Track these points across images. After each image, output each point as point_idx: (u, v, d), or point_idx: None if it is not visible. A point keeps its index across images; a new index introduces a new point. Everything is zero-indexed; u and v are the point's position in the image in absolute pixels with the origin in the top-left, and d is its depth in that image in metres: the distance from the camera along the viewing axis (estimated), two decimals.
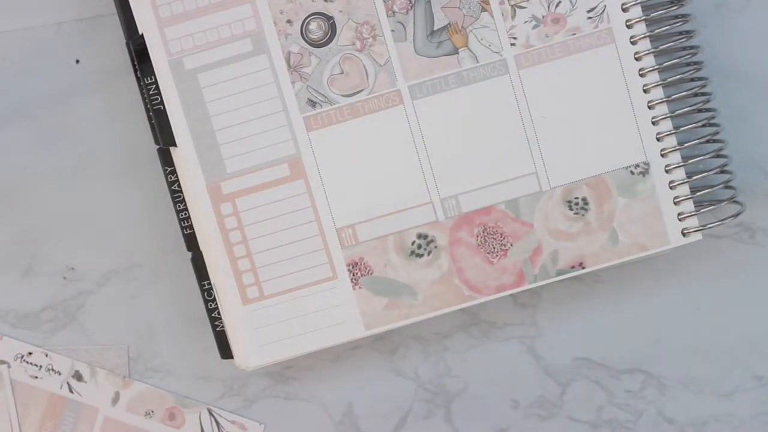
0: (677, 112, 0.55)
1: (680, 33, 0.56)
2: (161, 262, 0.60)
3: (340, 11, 0.55)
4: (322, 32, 0.55)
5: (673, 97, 0.55)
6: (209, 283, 0.56)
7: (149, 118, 0.56)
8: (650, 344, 0.59)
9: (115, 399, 0.60)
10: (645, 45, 0.55)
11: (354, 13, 0.55)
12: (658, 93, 0.55)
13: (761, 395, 0.59)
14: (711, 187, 0.56)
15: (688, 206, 0.56)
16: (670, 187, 0.55)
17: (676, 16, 0.56)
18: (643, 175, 0.55)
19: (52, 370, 0.59)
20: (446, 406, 0.59)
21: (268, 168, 0.56)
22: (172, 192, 0.57)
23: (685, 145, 0.56)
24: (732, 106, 0.58)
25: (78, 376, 0.60)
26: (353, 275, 0.56)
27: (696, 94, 0.56)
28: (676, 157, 0.56)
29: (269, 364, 0.57)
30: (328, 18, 0.55)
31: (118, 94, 0.59)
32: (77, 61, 0.60)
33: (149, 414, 0.60)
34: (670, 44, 0.55)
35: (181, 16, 0.55)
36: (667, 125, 0.56)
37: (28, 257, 0.60)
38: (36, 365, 0.59)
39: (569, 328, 0.60)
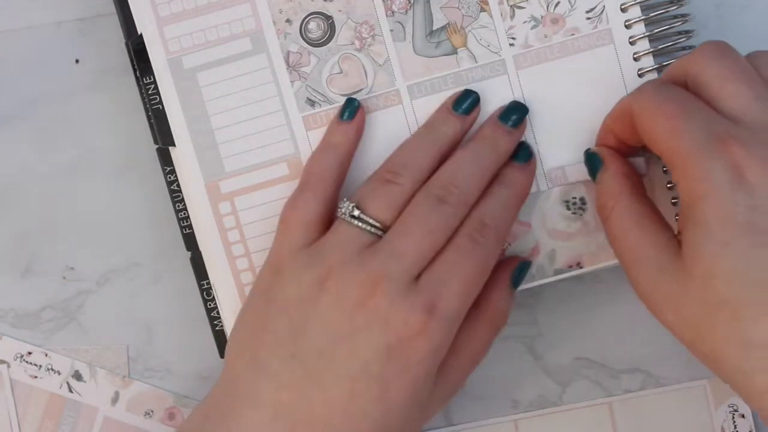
0: None
1: (679, 33, 0.56)
2: (161, 262, 0.60)
3: (339, 11, 0.55)
4: (321, 32, 0.56)
5: None
6: (208, 283, 0.56)
7: (148, 117, 0.56)
8: (650, 344, 0.59)
9: (115, 399, 0.60)
10: (644, 45, 0.55)
11: (353, 12, 0.55)
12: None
13: None
14: None
15: None
16: (668, 188, 0.55)
17: (676, 16, 0.56)
18: (641, 175, 0.55)
19: (52, 369, 0.59)
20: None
21: (266, 167, 0.56)
22: (172, 192, 0.57)
23: None
24: None
25: (77, 376, 0.60)
26: None
27: None
28: None
29: None
30: (327, 17, 0.55)
31: (117, 94, 0.59)
32: (77, 61, 0.60)
33: (149, 414, 0.60)
34: (669, 44, 0.55)
35: (180, 15, 0.55)
36: None
37: (27, 257, 0.60)
38: (36, 365, 0.59)
39: (569, 328, 0.60)
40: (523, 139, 0.55)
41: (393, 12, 0.55)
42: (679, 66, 0.50)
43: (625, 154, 0.53)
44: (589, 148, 0.54)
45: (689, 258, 0.47)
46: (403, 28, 0.55)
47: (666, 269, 0.48)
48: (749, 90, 0.47)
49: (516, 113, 0.54)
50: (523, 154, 0.55)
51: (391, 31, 0.55)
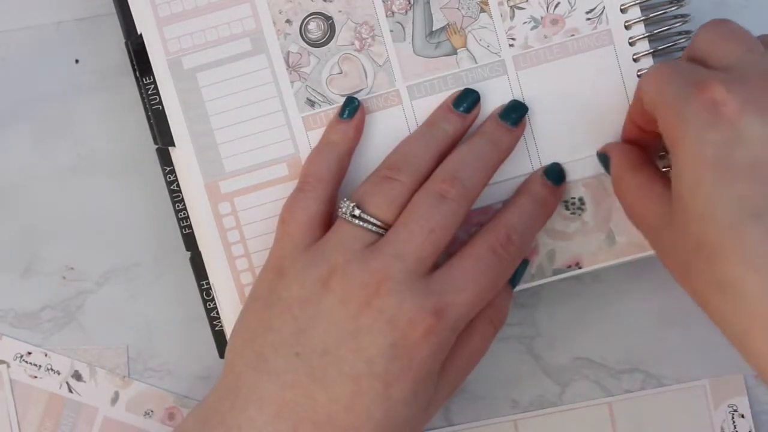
0: None
1: (679, 33, 0.56)
2: (161, 262, 0.60)
3: (339, 11, 0.55)
4: (321, 32, 0.56)
5: None
6: (208, 283, 0.56)
7: (148, 118, 0.56)
8: (650, 344, 0.59)
9: (115, 399, 0.60)
10: (643, 46, 0.55)
11: (353, 13, 0.55)
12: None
13: (761, 394, 0.59)
14: None
15: None
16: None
17: (675, 17, 0.56)
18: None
19: (52, 369, 0.60)
20: (446, 405, 0.59)
21: (266, 167, 0.56)
22: (171, 192, 0.57)
23: None
24: None
25: (77, 376, 0.60)
26: None
27: None
28: None
29: None
30: (327, 18, 0.55)
31: (117, 94, 0.59)
32: (77, 61, 0.60)
33: (149, 414, 0.60)
34: (668, 45, 0.55)
35: (180, 16, 0.55)
36: None
37: (27, 257, 0.60)
38: (35, 365, 0.60)
39: (569, 328, 0.60)
40: (524, 138, 0.55)
41: (393, 12, 0.55)
42: (687, 49, 0.50)
43: (647, 144, 0.54)
44: (597, 152, 0.55)
45: (674, 205, 0.47)
46: (403, 28, 0.55)
47: (661, 221, 0.49)
48: (741, 45, 0.48)
49: (516, 112, 0.54)
50: (558, 175, 0.55)
51: (391, 31, 0.55)
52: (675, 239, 0.47)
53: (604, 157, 0.54)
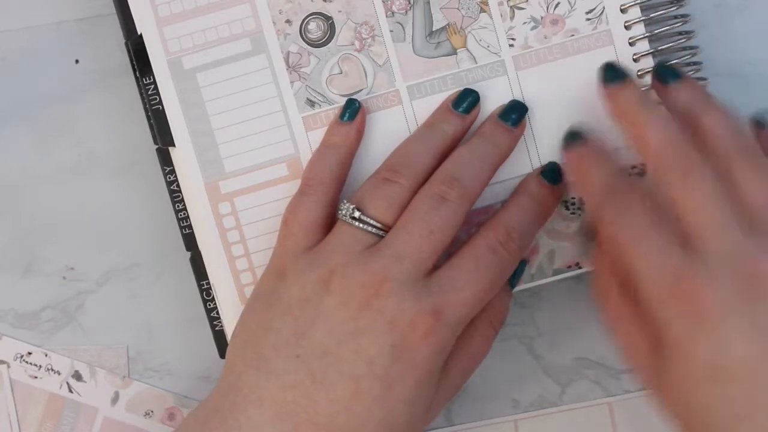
0: None
1: (679, 33, 0.56)
2: (161, 262, 0.60)
3: (339, 11, 0.55)
4: (321, 32, 0.56)
5: None
6: (208, 283, 0.56)
7: (148, 118, 0.56)
8: None
9: (115, 399, 0.60)
10: (643, 46, 0.55)
11: (353, 13, 0.55)
12: (656, 94, 0.55)
13: None
14: None
15: None
16: None
17: (675, 17, 0.56)
18: (640, 175, 0.55)
19: (52, 369, 0.60)
20: (446, 406, 0.59)
21: (266, 167, 0.56)
22: (171, 192, 0.57)
23: None
24: (732, 106, 0.58)
25: (77, 376, 0.60)
26: None
27: None
28: None
29: None
30: (327, 18, 0.55)
31: (117, 94, 0.59)
32: (77, 61, 0.60)
33: (149, 414, 0.60)
34: (669, 45, 0.55)
35: (180, 16, 0.55)
36: None
37: (27, 257, 0.60)
38: (35, 365, 0.60)
39: (569, 328, 0.60)
40: (524, 138, 0.55)
41: (393, 13, 0.55)
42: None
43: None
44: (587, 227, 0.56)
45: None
46: (403, 28, 0.55)
47: (652, 364, 0.48)
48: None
49: (516, 112, 0.54)
50: (554, 175, 0.55)
51: (391, 31, 0.55)
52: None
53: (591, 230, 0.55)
